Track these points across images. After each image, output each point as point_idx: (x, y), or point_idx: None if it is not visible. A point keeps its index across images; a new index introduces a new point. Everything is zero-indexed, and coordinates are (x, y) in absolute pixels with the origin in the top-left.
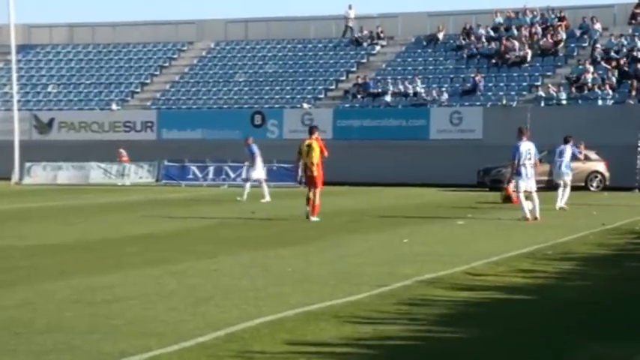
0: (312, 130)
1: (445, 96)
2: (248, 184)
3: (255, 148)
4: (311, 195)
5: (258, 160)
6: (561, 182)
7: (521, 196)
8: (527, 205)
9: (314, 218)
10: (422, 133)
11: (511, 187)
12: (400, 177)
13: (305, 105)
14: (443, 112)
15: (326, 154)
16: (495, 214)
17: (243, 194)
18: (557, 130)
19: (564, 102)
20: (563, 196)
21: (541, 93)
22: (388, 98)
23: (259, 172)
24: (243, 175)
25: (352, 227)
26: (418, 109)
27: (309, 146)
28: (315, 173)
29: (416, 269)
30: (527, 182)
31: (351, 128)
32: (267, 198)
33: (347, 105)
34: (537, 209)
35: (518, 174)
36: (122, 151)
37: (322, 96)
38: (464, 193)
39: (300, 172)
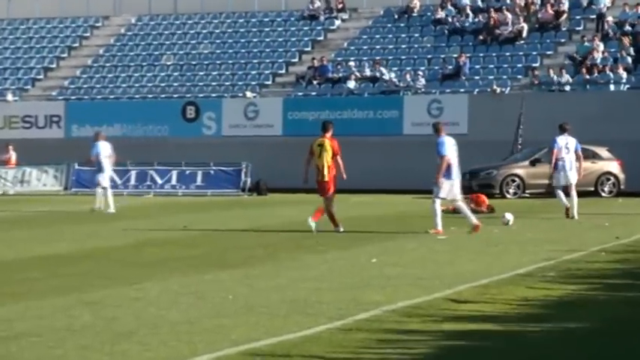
0: (326, 126)
1: (422, 81)
2: (99, 190)
3: (101, 147)
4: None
5: (106, 163)
6: (571, 185)
7: (438, 203)
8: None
9: (312, 223)
10: (393, 127)
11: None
12: (367, 181)
13: (248, 94)
14: (419, 101)
15: (339, 158)
16: (485, 226)
17: (108, 204)
18: (559, 122)
19: (568, 88)
20: (574, 204)
21: (539, 76)
22: (351, 85)
23: (106, 176)
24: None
25: (308, 244)
26: (389, 98)
27: (322, 146)
28: (327, 178)
29: (387, 296)
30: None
31: (305, 122)
32: (112, 209)
33: (300, 93)
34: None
35: (448, 176)
36: (11, 150)
37: (269, 82)
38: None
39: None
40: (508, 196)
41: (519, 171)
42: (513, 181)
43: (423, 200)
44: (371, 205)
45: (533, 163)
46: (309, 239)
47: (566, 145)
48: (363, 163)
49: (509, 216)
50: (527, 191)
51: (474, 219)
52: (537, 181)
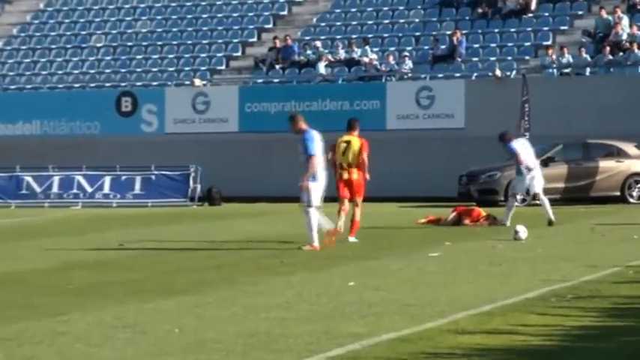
0: (352, 123)
1: (409, 64)
2: None
3: None
4: (345, 207)
5: None
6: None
7: (312, 212)
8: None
9: (352, 239)
10: (374, 120)
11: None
12: None
13: (197, 81)
14: (406, 88)
15: (365, 157)
16: (486, 240)
17: None
18: (577, 112)
19: (588, 71)
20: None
21: (551, 57)
22: (322, 69)
23: None
24: None
25: (270, 265)
26: (368, 86)
27: (348, 143)
28: (355, 176)
29: (367, 327)
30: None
31: (266, 116)
32: None
33: (260, 80)
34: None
35: (313, 178)
36: None
37: (223, 67)
38: (438, 210)
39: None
40: (515, 203)
41: None
42: None
43: (412, 210)
44: (347, 216)
45: (545, 163)
46: (271, 259)
47: (525, 148)
48: None
49: (522, 232)
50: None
51: (314, 241)
52: (551, 185)
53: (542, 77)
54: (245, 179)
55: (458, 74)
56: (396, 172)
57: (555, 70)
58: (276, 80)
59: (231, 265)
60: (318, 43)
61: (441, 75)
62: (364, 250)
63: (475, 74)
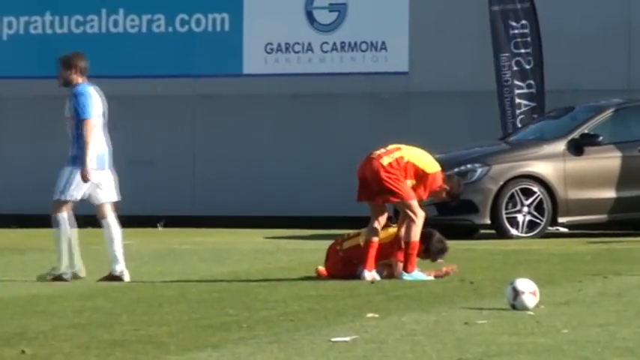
0: None
1: None
2: None
3: None
4: (379, 222)
5: None
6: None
7: None
8: None
9: (408, 275)
10: (221, 58)
11: None
12: (149, 200)
13: None
14: None
15: None
16: (452, 309)
17: None
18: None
19: None
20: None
21: None
22: None
23: None
24: None
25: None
26: None
27: None
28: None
29: None
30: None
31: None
32: None
33: None
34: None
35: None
36: None
37: None
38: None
39: None
40: (513, 231)
41: (541, 168)
42: (526, 192)
43: (295, 244)
44: (158, 257)
45: (577, 147)
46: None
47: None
48: (144, 150)
49: (528, 292)
50: (562, 219)
51: None
52: (588, 195)
53: None
54: None
55: None
56: (264, 167)
57: None
58: None
59: None
60: None
61: None
62: (192, 329)
63: None
